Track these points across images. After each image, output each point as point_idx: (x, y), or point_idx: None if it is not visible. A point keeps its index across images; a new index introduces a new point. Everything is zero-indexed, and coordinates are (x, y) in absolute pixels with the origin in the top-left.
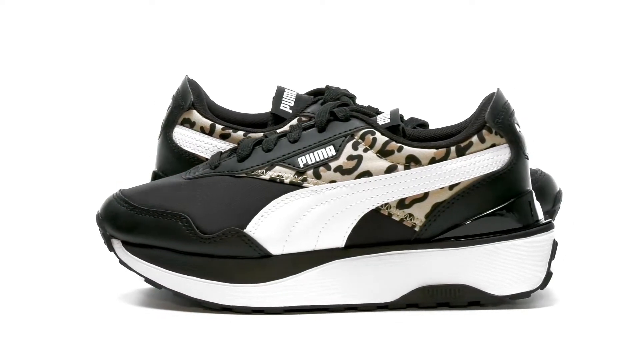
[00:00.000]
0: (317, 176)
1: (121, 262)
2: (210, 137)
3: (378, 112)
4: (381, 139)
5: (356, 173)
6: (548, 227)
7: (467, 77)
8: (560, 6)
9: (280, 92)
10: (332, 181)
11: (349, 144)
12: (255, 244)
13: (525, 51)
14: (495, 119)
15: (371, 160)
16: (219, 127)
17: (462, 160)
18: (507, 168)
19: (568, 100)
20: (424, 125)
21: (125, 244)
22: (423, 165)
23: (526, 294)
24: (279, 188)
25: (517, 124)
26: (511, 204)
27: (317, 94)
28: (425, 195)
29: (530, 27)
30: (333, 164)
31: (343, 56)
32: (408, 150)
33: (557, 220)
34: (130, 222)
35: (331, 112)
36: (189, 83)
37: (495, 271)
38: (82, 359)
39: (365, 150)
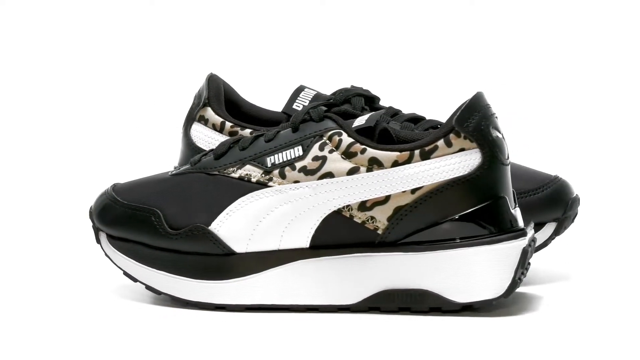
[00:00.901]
0: (282, 176)
1: (105, 254)
2: (220, 135)
3: (396, 114)
4: (346, 140)
5: (319, 174)
6: (518, 235)
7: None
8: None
9: (298, 90)
10: (296, 181)
11: (317, 145)
12: (220, 242)
13: (547, 53)
14: (464, 123)
15: (335, 162)
16: (228, 124)
17: (426, 164)
18: (476, 173)
19: (594, 107)
20: (416, 119)
21: (110, 237)
22: (385, 168)
23: (488, 302)
24: (246, 187)
25: (496, 129)
26: (479, 210)
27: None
28: (387, 198)
29: (546, 28)
30: (298, 164)
31: (382, 57)
32: (371, 152)
33: (572, 227)
34: (112, 216)
35: (307, 112)
36: (209, 80)
37: (458, 277)
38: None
39: (331, 152)
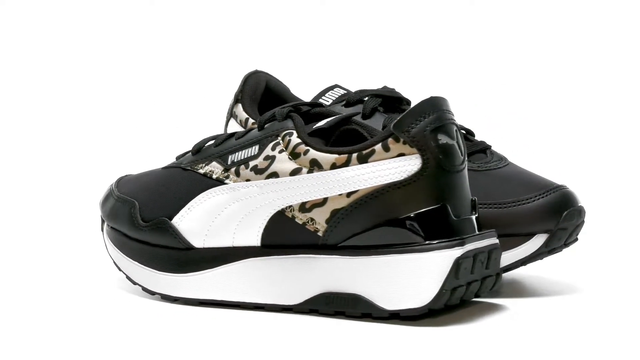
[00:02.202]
0: (237, 174)
1: (104, 243)
2: None
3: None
4: (294, 141)
5: (266, 173)
6: (452, 245)
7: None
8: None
9: (328, 88)
10: (248, 180)
11: (271, 144)
12: (180, 236)
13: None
14: (404, 128)
15: (281, 162)
16: (250, 121)
17: (363, 167)
18: (413, 179)
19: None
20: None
21: (108, 226)
22: (324, 170)
23: (414, 311)
24: (208, 183)
25: (447, 135)
26: (416, 216)
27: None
28: (325, 201)
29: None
30: (252, 163)
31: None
32: (313, 154)
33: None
34: (108, 207)
35: (274, 112)
36: (247, 77)
37: (389, 284)
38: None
39: (281, 152)
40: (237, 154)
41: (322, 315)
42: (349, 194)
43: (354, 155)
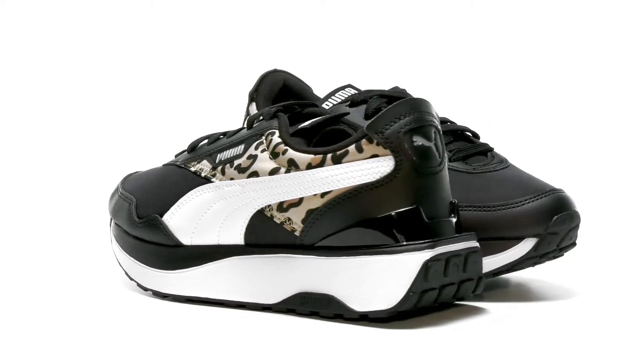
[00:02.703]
0: (223, 172)
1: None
2: None
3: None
4: (275, 140)
5: (248, 172)
6: (421, 247)
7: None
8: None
9: (339, 88)
10: (232, 178)
11: (255, 144)
12: (169, 233)
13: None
14: (378, 129)
15: (262, 161)
16: None
17: (336, 168)
18: (385, 181)
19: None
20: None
21: (114, 222)
22: (301, 170)
23: (381, 313)
24: (197, 180)
25: (425, 137)
26: (387, 218)
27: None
28: (300, 201)
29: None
30: (236, 162)
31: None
32: (290, 153)
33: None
34: (112, 204)
35: (262, 111)
36: (263, 76)
37: (359, 285)
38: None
39: (263, 151)
40: (224, 152)
41: (298, 315)
42: (323, 194)
43: (329, 155)
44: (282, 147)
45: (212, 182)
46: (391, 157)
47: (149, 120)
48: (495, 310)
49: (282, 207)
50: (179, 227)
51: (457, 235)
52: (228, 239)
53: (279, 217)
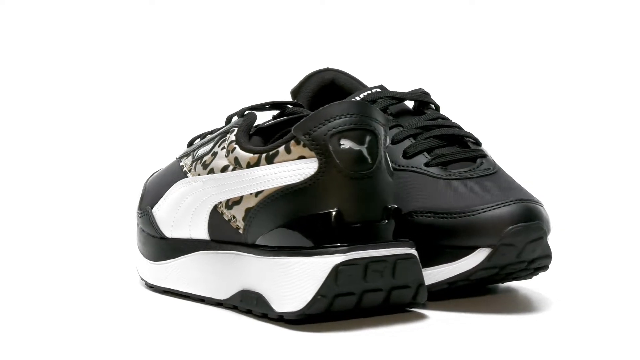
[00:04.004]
0: (195, 168)
1: None
2: None
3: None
4: (231, 138)
5: (208, 169)
6: (333, 251)
7: None
8: None
9: (370, 88)
10: (199, 174)
11: (220, 141)
12: (156, 225)
13: None
14: (305, 131)
15: (219, 158)
16: None
17: (268, 168)
18: (308, 183)
19: None
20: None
21: None
22: (242, 169)
23: (292, 315)
24: (179, 175)
25: (352, 139)
26: (308, 219)
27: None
28: (241, 199)
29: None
30: (204, 158)
31: None
32: (237, 152)
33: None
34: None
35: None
36: (312, 74)
37: (280, 286)
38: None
39: (223, 148)
40: (202, 148)
41: (239, 312)
42: (256, 194)
43: (263, 155)
44: (233, 145)
45: (187, 177)
46: (315, 159)
47: (163, 118)
48: (435, 317)
49: (228, 204)
50: (162, 220)
51: (386, 241)
52: (196, 233)
53: (227, 215)
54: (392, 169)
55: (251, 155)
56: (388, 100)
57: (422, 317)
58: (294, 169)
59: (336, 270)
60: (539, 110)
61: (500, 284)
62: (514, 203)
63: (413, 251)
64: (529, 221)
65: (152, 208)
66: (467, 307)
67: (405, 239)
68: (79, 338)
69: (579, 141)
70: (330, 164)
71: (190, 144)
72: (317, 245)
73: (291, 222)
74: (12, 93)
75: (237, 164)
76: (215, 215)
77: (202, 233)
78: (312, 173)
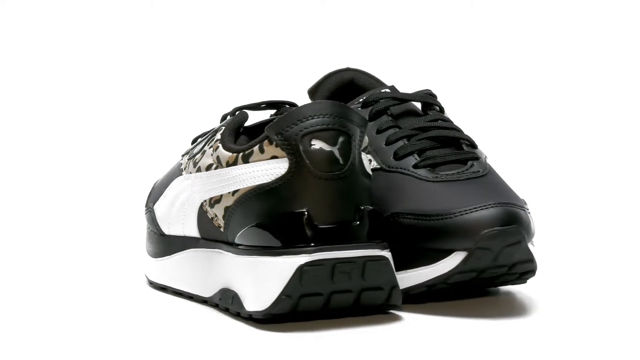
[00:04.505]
0: (188, 166)
1: None
2: None
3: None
4: (216, 137)
5: (197, 167)
6: (298, 252)
7: None
8: None
9: (381, 87)
10: (190, 172)
11: (210, 139)
12: (156, 222)
13: None
14: (278, 131)
15: (206, 157)
16: None
17: (244, 167)
18: (279, 183)
19: None
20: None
21: None
22: (223, 168)
23: (258, 314)
24: (177, 172)
25: (323, 140)
26: (277, 219)
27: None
28: (220, 198)
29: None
30: (196, 157)
31: None
32: (219, 150)
33: None
34: None
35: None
36: (330, 74)
37: (250, 285)
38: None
39: (210, 147)
40: (197, 146)
41: (219, 310)
42: (233, 193)
43: (240, 155)
44: (217, 143)
45: (182, 174)
46: (286, 159)
47: (175, 117)
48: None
49: (211, 202)
50: (161, 217)
51: (356, 242)
52: (189, 231)
53: (210, 213)
54: (367, 171)
55: (230, 154)
56: (390, 101)
57: (397, 318)
58: (266, 168)
59: (301, 271)
60: (553, 113)
61: (495, 288)
62: (493, 206)
63: (384, 253)
64: (506, 225)
65: (153, 205)
66: (445, 310)
67: (379, 240)
68: (60, 331)
69: (584, 143)
70: (300, 164)
71: (194, 141)
72: (286, 245)
73: (263, 222)
74: (22, 94)
75: (219, 163)
76: (202, 213)
77: (194, 231)
78: (283, 173)
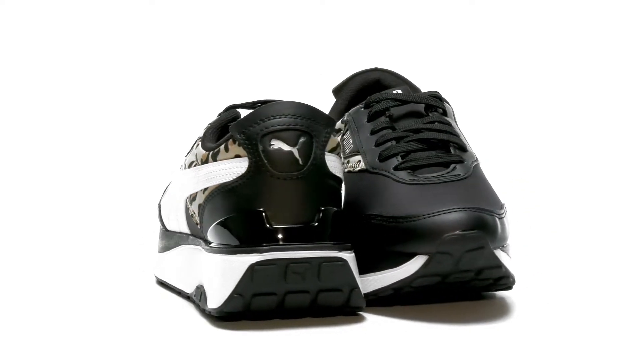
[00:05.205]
0: (184, 163)
1: None
2: None
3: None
4: (201, 134)
5: (185, 164)
6: (250, 250)
7: None
8: None
9: (396, 87)
10: (181, 169)
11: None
12: (161, 217)
13: None
14: (241, 130)
15: (191, 154)
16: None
17: (212, 165)
18: (239, 182)
19: None
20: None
21: None
22: (199, 165)
23: (214, 312)
24: (178, 169)
25: (283, 140)
26: (235, 218)
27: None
28: (196, 195)
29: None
30: (188, 154)
31: None
32: (198, 148)
33: None
34: None
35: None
36: (356, 74)
37: (210, 282)
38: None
39: (195, 144)
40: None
41: (195, 307)
42: (204, 190)
43: (210, 153)
44: (198, 141)
45: (180, 171)
46: (246, 158)
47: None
48: (370, 321)
49: (191, 199)
50: (164, 212)
51: (313, 243)
52: (182, 227)
53: (190, 210)
54: (332, 172)
55: (204, 152)
56: (391, 102)
57: (359, 320)
58: (229, 167)
59: (252, 270)
60: (551, 113)
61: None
62: (457, 211)
63: (342, 254)
64: (468, 230)
65: (160, 201)
66: (411, 314)
67: (343, 242)
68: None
69: (581, 143)
70: (258, 163)
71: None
72: (243, 243)
73: (224, 220)
74: (22, 94)
75: (197, 160)
76: (187, 210)
77: (184, 227)
78: (243, 172)
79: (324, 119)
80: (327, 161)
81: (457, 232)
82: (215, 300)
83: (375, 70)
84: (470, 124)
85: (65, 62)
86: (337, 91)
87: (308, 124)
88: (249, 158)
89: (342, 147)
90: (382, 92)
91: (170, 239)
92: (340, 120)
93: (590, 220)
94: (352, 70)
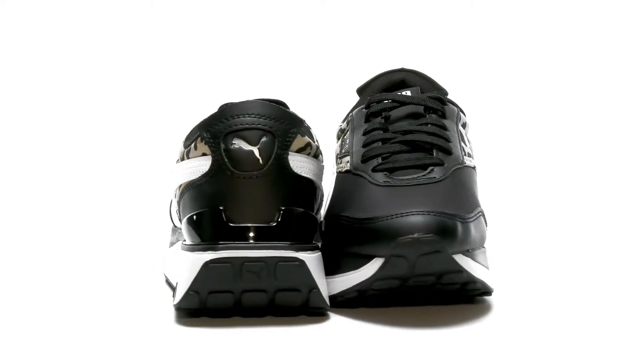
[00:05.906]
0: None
1: None
2: None
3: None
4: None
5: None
6: (206, 248)
7: None
8: None
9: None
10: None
11: None
12: (172, 214)
13: None
14: (207, 128)
15: (179, 152)
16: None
17: (185, 163)
18: (202, 180)
19: None
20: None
21: None
22: (179, 162)
23: (174, 307)
24: None
25: (244, 139)
26: (197, 216)
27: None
28: (176, 191)
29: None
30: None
31: None
32: (181, 146)
33: None
34: None
35: None
36: (380, 74)
37: (175, 279)
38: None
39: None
40: None
41: None
42: (179, 187)
43: (185, 150)
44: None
45: None
46: (209, 157)
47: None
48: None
49: (174, 195)
50: (172, 209)
51: (273, 242)
52: (177, 222)
53: (174, 206)
54: (296, 172)
55: (182, 149)
56: (389, 103)
57: (319, 321)
58: (196, 165)
59: (206, 267)
60: (550, 114)
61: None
62: (416, 214)
63: (300, 255)
64: (423, 234)
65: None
66: (375, 316)
67: (298, 242)
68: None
69: (580, 144)
70: (219, 162)
71: None
72: (203, 241)
73: (190, 217)
74: (24, 94)
75: (179, 157)
76: (176, 205)
77: (177, 222)
78: (206, 170)
79: (289, 119)
80: (290, 161)
81: (413, 235)
82: (177, 296)
83: (402, 70)
84: (470, 124)
85: (65, 62)
86: (360, 91)
87: (271, 124)
88: (212, 156)
89: (339, 148)
90: (384, 93)
91: (174, 234)
92: (344, 121)
93: (590, 220)
94: (380, 71)
